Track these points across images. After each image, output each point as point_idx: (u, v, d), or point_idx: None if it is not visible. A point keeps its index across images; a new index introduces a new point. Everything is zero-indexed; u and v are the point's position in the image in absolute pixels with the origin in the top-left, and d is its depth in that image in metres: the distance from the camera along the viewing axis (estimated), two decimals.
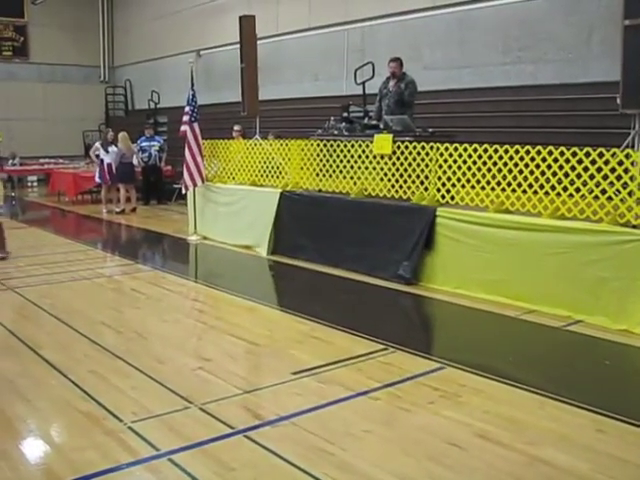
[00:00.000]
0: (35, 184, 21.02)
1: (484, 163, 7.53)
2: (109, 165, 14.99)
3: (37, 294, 7.66)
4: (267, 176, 10.21)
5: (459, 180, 7.79)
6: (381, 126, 9.30)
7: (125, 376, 5.17)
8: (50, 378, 5.18)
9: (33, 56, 23.27)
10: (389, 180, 8.52)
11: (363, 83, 12.75)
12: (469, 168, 7.67)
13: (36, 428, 4.38)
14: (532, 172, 7.13)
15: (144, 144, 16.18)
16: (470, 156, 7.65)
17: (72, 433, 4.27)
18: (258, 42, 12.41)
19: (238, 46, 12.48)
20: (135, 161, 15.71)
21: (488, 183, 7.49)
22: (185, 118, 11.04)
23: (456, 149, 7.78)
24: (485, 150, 7.51)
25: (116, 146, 14.98)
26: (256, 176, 10.42)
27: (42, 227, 13.30)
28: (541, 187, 7.05)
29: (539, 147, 7.06)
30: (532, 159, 7.10)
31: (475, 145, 7.62)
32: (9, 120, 21.67)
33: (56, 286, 8.18)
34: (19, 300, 7.47)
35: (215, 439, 4.08)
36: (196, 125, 10.97)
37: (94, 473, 3.75)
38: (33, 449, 4.11)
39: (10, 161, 20.09)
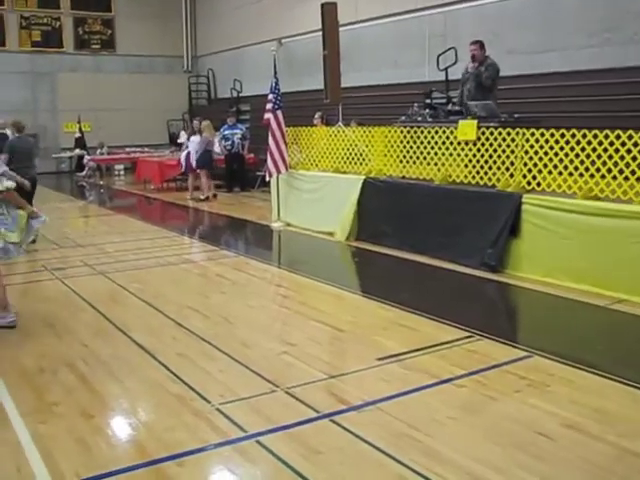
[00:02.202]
0: (122, 172, 21.59)
1: (572, 149, 7.34)
2: (189, 153, 15.38)
3: (126, 279, 7.89)
4: (350, 163, 10.22)
5: (545, 166, 7.62)
6: (462, 110, 9.17)
7: (212, 359, 5.28)
8: (140, 360, 5.34)
9: (119, 48, 23.86)
10: (473, 167, 8.41)
11: (446, 69, 12.59)
12: (556, 154, 7.49)
13: (128, 407, 4.53)
14: (622, 157, 6.91)
15: (227, 132, 16.44)
16: (557, 142, 7.47)
17: (162, 413, 4.39)
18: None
19: (319, 33, 12.48)
20: (217, 149, 15.98)
21: (576, 169, 7.30)
22: (269, 106, 11.14)
23: (542, 134, 7.61)
24: (573, 135, 7.32)
25: (201, 135, 15.27)
26: (339, 163, 10.44)
27: (129, 214, 13.66)
28: (632, 173, 6.83)
29: (630, 131, 6.84)
30: (623, 144, 6.88)
31: (562, 130, 7.43)
32: (97, 111, 22.32)
33: (144, 271, 8.41)
34: (109, 284, 7.71)
35: (301, 423, 4.13)
36: (279, 113, 11.06)
37: (184, 452, 3.86)
38: (126, 427, 4.26)
39: (98, 150, 20.72)
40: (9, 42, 22.28)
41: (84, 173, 20.49)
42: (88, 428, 4.28)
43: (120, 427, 4.27)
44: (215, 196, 15.10)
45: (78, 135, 21.71)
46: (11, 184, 6.13)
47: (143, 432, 4.12)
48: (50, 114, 22.72)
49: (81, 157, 21.31)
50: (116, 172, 21.61)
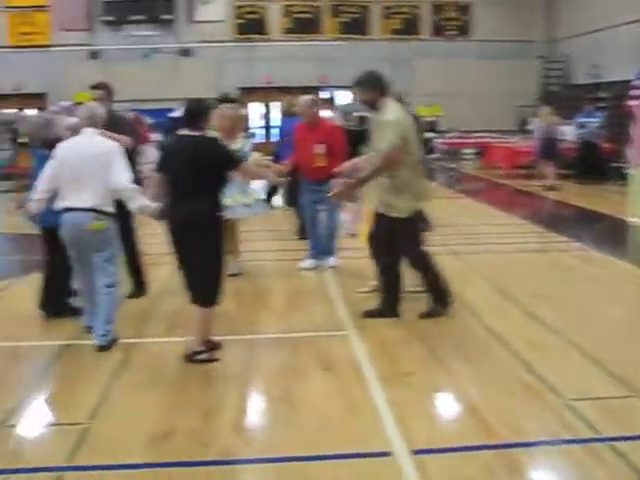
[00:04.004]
0: (470, 157, 21.80)
1: None
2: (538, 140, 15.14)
3: (477, 261, 7.98)
4: None
5: None
6: None
7: (564, 351, 5.15)
8: (490, 343, 5.39)
9: (474, 34, 24.00)
10: None
11: None
12: None
13: (477, 388, 4.58)
14: None
15: (583, 120, 15.76)
16: None
17: (512, 399, 4.39)
18: None
19: None
20: (571, 137, 15.40)
21: None
22: (634, 92, 10.43)
23: None
24: None
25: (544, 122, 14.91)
26: None
27: (477, 198, 13.75)
28: None
29: None
30: None
31: None
32: (449, 95, 22.65)
33: (494, 255, 8.43)
34: (461, 265, 7.81)
35: None
36: None
37: (533, 442, 3.85)
38: (472, 407, 4.30)
39: (449, 134, 21.13)
40: (372, 31, 23.65)
41: (434, 156, 21.03)
42: (438, 401, 4.48)
43: (470, 406, 4.33)
44: (559, 186, 14.48)
45: (430, 119, 22.35)
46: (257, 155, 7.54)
47: (492, 415, 4.15)
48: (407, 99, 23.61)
49: (430, 140, 21.89)
50: (465, 156, 21.88)
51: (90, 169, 5.20)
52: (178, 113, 11.33)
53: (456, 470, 3.61)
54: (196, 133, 5.03)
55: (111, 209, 5.33)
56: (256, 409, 4.42)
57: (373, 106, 5.72)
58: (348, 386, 4.60)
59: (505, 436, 3.90)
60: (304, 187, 7.83)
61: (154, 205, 5.19)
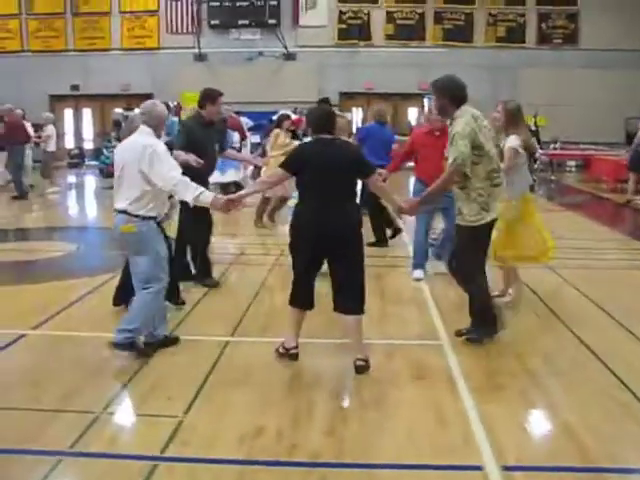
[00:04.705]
0: (573, 169, 21.21)
1: None
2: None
3: (574, 276, 7.71)
4: None
5: None
6: None
7: None
8: (586, 360, 5.24)
9: (582, 42, 23.32)
10: None
11: None
12: None
13: (570, 405, 4.45)
14: None
15: None
16: None
17: (606, 419, 4.24)
18: None
19: None
20: None
21: None
22: None
23: None
24: None
25: None
26: None
27: (577, 212, 13.36)
28: None
29: None
30: None
31: None
32: (553, 105, 22.11)
33: (591, 271, 8.17)
34: (555, 279, 7.62)
35: None
36: None
37: (628, 468, 3.71)
38: (562, 425, 4.19)
39: (551, 145, 20.63)
40: (476, 38, 23.42)
41: (535, 166, 20.56)
42: (530, 417, 4.39)
43: (562, 424, 4.21)
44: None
45: (533, 128, 21.86)
46: None
47: (585, 434, 4.03)
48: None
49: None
50: (567, 168, 21.30)
51: (127, 170, 5.04)
52: (278, 116, 11.53)
53: None
54: (331, 137, 4.96)
55: (144, 212, 5.05)
56: (346, 414, 4.42)
57: (444, 114, 5.56)
58: (440, 396, 4.56)
59: (600, 459, 3.78)
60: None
61: (213, 196, 5.09)
